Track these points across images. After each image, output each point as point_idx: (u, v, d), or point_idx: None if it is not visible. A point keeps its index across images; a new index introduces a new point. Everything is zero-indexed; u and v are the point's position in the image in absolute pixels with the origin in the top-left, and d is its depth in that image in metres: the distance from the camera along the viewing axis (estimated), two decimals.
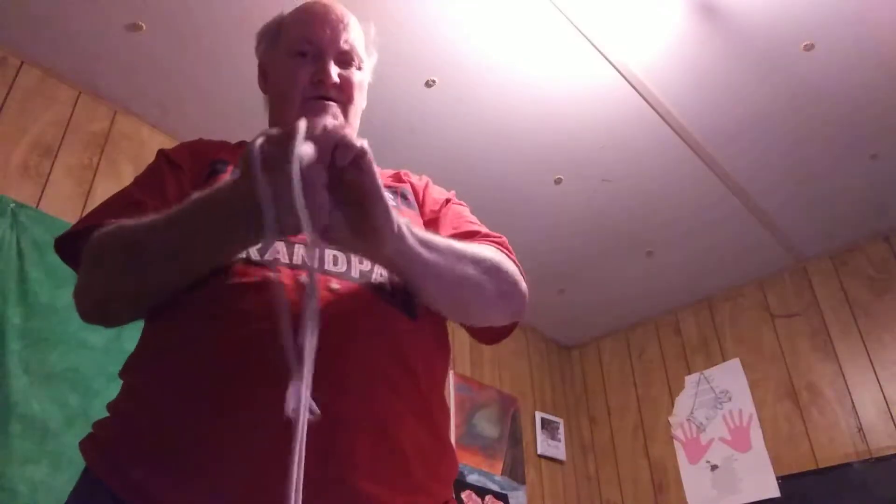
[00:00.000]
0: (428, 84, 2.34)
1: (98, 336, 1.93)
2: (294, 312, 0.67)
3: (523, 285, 0.90)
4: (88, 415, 1.81)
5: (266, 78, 1.04)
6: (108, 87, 2.31)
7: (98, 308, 0.83)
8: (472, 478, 2.90)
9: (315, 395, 0.66)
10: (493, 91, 2.39)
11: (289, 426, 0.57)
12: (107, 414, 0.77)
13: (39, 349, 1.83)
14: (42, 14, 2.06)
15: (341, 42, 0.98)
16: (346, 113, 0.97)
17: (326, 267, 0.77)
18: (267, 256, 0.77)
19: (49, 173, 2.13)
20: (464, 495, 2.79)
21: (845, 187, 2.83)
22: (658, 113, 2.48)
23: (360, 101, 1.01)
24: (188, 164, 0.93)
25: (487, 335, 0.94)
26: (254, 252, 0.77)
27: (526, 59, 2.29)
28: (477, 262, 0.83)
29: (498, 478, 3.02)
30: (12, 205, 1.96)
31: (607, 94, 2.41)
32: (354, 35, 1.00)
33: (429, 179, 1.07)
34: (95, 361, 1.90)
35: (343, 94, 0.97)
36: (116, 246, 0.78)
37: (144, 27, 2.10)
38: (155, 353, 0.77)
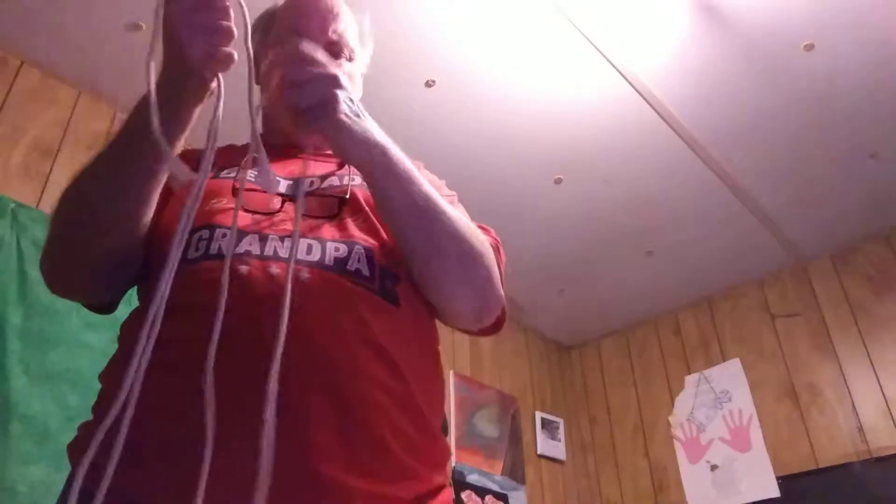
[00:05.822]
0: (428, 84, 2.34)
1: (98, 336, 1.93)
2: (259, 304, 0.70)
3: (498, 289, 0.84)
4: (88, 415, 1.80)
5: (259, 69, 1.01)
6: (108, 87, 2.31)
7: (54, 270, 0.82)
8: (472, 478, 2.89)
9: (280, 391, 0.65)
10: (493, 91, 2.39)
11: (230, 427, 0.60)
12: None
13: (39, 349, 1.83)
14: (42, 14, 2.06)
15: (330, 32, 0.96)
16: None
17: (298, 256, 0.75)
18: (238, 250, 0.75)
19: (49, 173, 2.13)
20: (464, 495, 2.79)
21: (845, 187, 2.82)
22: (658, 113, 2.48)
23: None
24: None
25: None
26: (225, 246, 0.75)
27: (526, 59, 2.29)
28: (460, 226, 0.80)
29: (498, 478, 3.02)
30: (12, 205, 1.96)
31: (607, 94, 2.41)
32: (345, 25, 0.98)
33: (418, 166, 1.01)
34: (95, 361, 1.89)
35: None
36: (60, 198, 0.79)
37: (144, 27, 2.10)
38: (117, 356, 0.77)
